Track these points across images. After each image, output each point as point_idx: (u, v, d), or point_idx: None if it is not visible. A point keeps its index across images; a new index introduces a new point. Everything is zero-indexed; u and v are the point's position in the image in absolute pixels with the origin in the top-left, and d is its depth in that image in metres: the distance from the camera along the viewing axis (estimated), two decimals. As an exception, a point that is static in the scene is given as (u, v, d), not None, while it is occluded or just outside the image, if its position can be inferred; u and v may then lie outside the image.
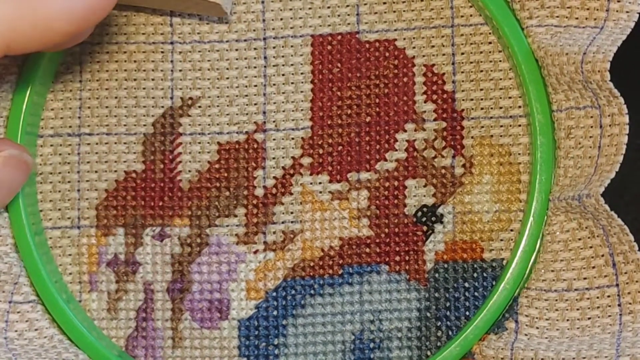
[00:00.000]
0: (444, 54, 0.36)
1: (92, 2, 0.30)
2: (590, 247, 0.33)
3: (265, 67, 0.37)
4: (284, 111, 0.37)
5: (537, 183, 0.34)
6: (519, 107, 0.36)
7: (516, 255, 0.34)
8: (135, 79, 0.37)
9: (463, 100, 0.36)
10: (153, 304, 0.36)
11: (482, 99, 0.36)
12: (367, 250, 0.36)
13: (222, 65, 0.37)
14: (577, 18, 0.34)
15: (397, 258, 0.36)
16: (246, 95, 0.37)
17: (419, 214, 0.36)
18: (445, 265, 0.36)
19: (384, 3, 0.37)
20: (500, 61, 0.36)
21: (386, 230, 0.36)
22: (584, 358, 0.32)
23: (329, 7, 0.37)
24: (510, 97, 0.36)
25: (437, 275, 0.36)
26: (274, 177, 0.37)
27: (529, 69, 0.35)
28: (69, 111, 0.37)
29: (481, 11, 0.36)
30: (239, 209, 0.37)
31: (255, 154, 0.37)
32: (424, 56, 0.36)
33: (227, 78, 0.37)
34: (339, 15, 0.37)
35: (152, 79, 0.37)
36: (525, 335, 0.34)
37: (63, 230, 0.37)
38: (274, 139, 0.37)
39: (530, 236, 0.34)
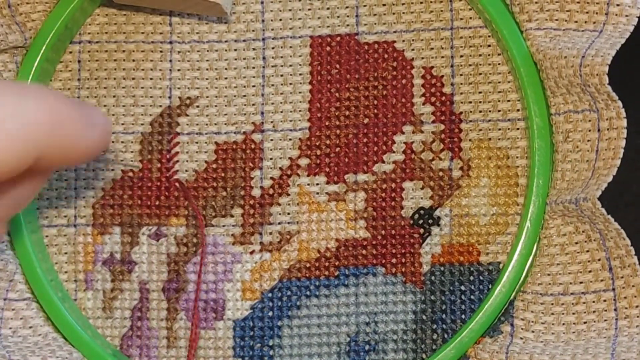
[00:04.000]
0: (442, 57, 0.36)
1: (102, 135, 0.31)
2: (587, 251, 0.33)
3: (263, 67, 0.37)
4: (282, 112, 0.37)
5: (534, 186, 0.34)
6: (517, 110, 0.36)
7: (512, 259, 0.34)
8: (133, 78, 0.37)
9: (461, 102, 0.36)
10: (148, 303, 0.36)
11: (480, 102, 0.36)
12: (364, 252, 0.36)
13: (221, 65, 0.37)
14: (576, 21, 0.34)
15: (394, 260, 0.36)
16: (244, 96, 0.37)
17: (416, 216, 0.36)
18: (442, 268, 0.36)
19: (384, 5, 0.36)
20: (499, 64, 0.36)
21: (383, 232, 0.36)
22: (579, 362, 0.32)
23: (328, 8, 0.37)
24: (508, 100, 0.36)
25: (433, 277, 0.36)
26: (271, 178, 0.36)
27: (527, 72, 0.35)
28: (67, 109, 0.37)
29: (480, 14, 0.36)
30: (236, 209, 0.36)
31: (252, 154, 0.37)
32: (422, 58, 0.36)
33: (226, 78, 0.37)
34: (338, 17, 0.37)
35: (151, 78, 0.37)
36: (521, 338, 0.33)
37: (59, 229, 0.37)
38: (271, 140, 0.37)
39: (527, 240, 0.34)
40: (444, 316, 0.36)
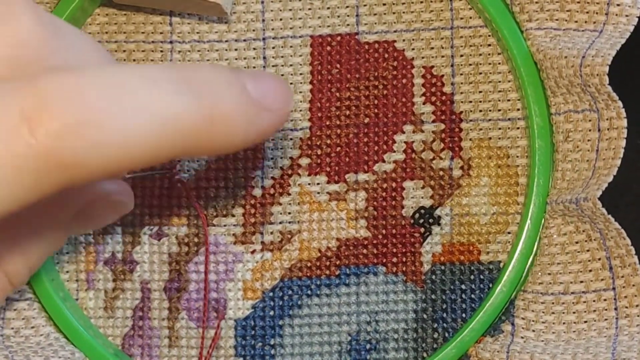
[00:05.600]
0: (443, 56, 0.36)
1: (267, 127, 0.26)
2: (587, 251, 0.33)
3: (264, 67, 0.37)
4: (282, 111, 0.37)
5: (534, 186, 0.34)
6: (518, 109, 0.36)
7: (513, 258, 0.34)
8: (134, 78, 0.37)
9: (462, 102, 0.36)
10: (150, 302, 0.36)
11: (480, 101, 0.36)
12: (364, 251, 0.36)
13: (222, 65, 0.37)
14: (576, 21, 0.34)
15: (394, 259, 0.36)
16: (245, 95, 0.37)
17: (417, 215, 0.36)
18: (442, 267, 0.36)
19: (384, 4, 0.37)
20: (499, 64, 0.36)
21: (383, 231, 0.36)
22: (580, 361, 0.32)
23: (328, 8, 0.37)
24: (508, 100, 0.36)
25: (433, 277, 0.36)
26: (272, 178, 0.37)
27: (527, 71, 0.35)
28: (67, 109, 0.37)
29: (481, 13, 0.36)
30: (237, 209, 0.37)
31: (253, 154, 0.37)
32: (423, 58, 0.36)
33: (226, 78, 0.37)
34: (338, 16, 0.37)
35: (151, 78, 0.37)
36: (522, 338, 0.34)
37: (60, 229, 0.37)
38: (272, 140, 0.37)
39: (528, 239, 0.34)
40: (444, 315, 0.36)
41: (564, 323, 0.33)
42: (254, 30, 0.37)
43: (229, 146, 0.25)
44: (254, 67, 0.37)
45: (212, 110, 0.24)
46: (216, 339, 0.36)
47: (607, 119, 0.32)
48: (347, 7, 0.37)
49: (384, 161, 0.36)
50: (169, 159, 0.24)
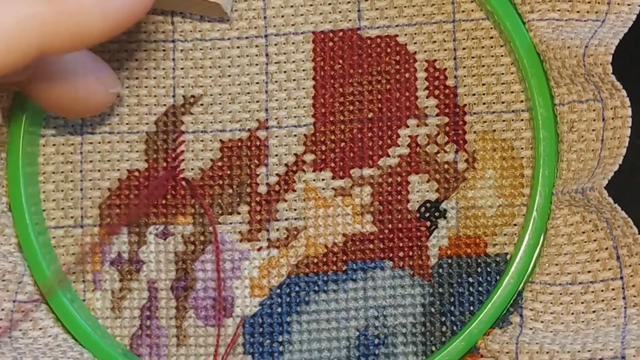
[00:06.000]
0: (445, 49, 0.36)
1: (127, 4, 0.28)
2: (594, 241, 0.33)
3: (266, 64, 0.37)
4: (286, 108, 0.37)
5: (540, 177, 0.34)
6: (521, 101, 0.36)
7: (520, 250, 0.34)
8: (137, 78, 0.37)
9: (465, 95, 0.36)
10: (157, 302, 0.36)
11: (484, 94, 0.36)
12: (371, 246, 0.36)
13: (224, 62, 0.37)
14: (578, 11, 0.34)
15: (401, 254, 0.36)
16: (248, 93, 0.37)
17: (422, 209, 0.36)
18: (449, 261, 0.36)
19: (385, -1, 0.37)
20: (501, 56, 0.36)
21: (389, 226, 0.36)
22: (589, 351, 0.32)
23: (329, 4, 0.37)
24: (512, 92, 0.36)
25: (441, 270, 0.36)
26: (277, 174, 0.37)
27: (530, 63, 0.35)
28: (71, 110, 0.37)
29: (482, 6, 0.36)
30: (242, 207, 0.37)
31: (257, 151, 0.37)
32: (425, 52, 0.36)
33: (229, 76, 0.37)
34: (340, 12, 0.37)
35: (154, 77, 0.37)
36: (530, 329, 0.34)
37: (66, 230, 0.37)
38: (276, 136, 0.37)
39: (534, 230, 0.34)
40: (452, 308, 0.36)
41: (572, 313, 0.33)
42: (255, 28, 0.37)
43: (89, 36, 0.26)
44: (257, 65, 0.37)
45: (60, 5, 0.25)
46: (235, 339, 0.36)
47: (611, 109, 0.32)
48: (349, 2, 0.37)
49: (388, 156, 0.36)
50: (35, 59, 0.25)
